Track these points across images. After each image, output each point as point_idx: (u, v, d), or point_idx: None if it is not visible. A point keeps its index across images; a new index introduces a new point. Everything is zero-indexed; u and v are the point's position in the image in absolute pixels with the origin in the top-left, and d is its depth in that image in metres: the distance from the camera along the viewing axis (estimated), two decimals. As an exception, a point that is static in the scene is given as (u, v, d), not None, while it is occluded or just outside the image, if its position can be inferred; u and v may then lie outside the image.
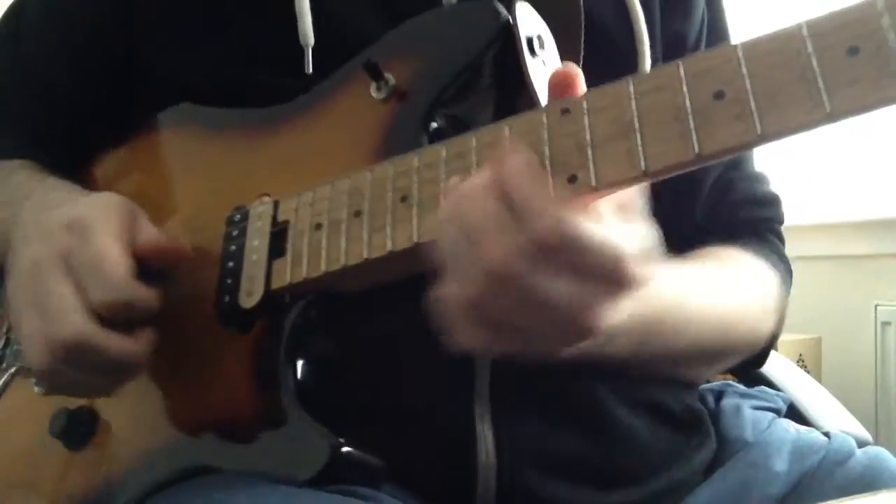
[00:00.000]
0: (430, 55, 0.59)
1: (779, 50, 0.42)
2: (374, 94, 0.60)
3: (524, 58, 0.57)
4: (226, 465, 0.58)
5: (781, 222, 0.81)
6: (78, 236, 0.58)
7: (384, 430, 0.59)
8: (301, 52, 0.64)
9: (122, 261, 0.57)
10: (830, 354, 1.85)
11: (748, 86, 0.42)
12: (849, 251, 1.78)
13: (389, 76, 0.59)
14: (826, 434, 0.75)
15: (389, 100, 0.59)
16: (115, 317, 0.57)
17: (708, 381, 0.80)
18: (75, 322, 0.56)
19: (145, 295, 0.58)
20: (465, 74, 0.57)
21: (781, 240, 0.79)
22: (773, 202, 0.80)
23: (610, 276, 0.44)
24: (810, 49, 0.41)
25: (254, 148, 0.66)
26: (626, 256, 0.44)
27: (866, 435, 0.91)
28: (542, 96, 0.56)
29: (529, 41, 0.57)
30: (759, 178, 0.79)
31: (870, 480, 0.68)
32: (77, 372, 0.58)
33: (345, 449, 0.54)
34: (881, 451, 0.73)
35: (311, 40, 0.64)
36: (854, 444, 0.73)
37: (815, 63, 0.41)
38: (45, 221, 0.61)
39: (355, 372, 0.61)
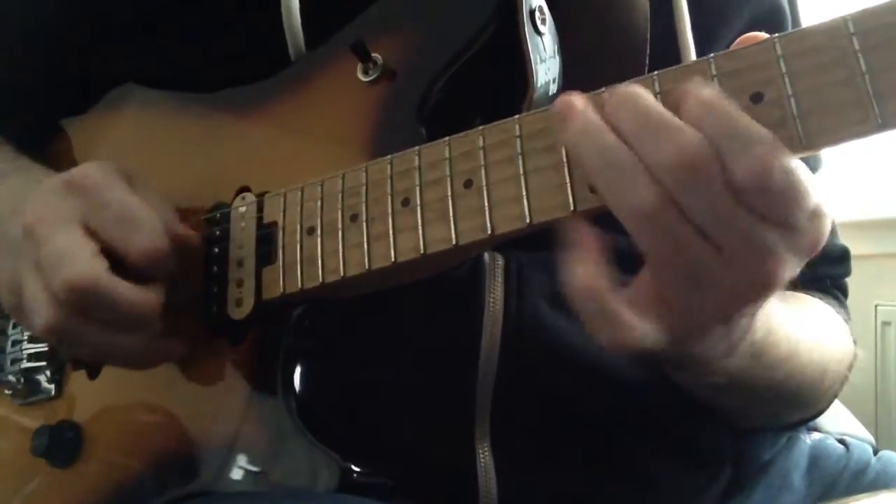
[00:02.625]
0: (423, 31, 0.54)
1: (822, 47, 0.38)
2: (361, 76, 0.55)
3: (525, 33, 0.52)
4: (225, 487, 0.55)
5: (848, 276, 0.76)
6: (88, 192, 0.54)
7: (382, 460, 0.56)
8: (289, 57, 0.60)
9: (150, 210, 0.54)
10: (830, 355, 1.84)
11: (789, 87, 0.38)
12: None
13: (378, 56, 0.54)
14: (841, 441, 0.74)
15: (379, 82, 0.54)
16: (155, 268, 0.54)
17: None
18: (83, 263, 0.52)
19: (173, 252, 0.55)
20: (464, 54, 0.52)
21: (846, 294, 0.75)
22: (843, 257, 0.76)
23: (806, 226, 0.38)
24: (858, 47, 0.37)
25: (226, 134, 0.61)
26: (824, 212, 0.39)
27: (870, 438, 0.90)
28: (540, 75, 0.53)
29: (532, 13, 0.53)
30: (831, 231, 0.76)
31: (883, 486, 0.67)
32: (87, 326, 0.53)
33: (355, 474, 0.52)
34: (892, 456, 0.72)
35: None
36: (871, 451, 0.73)
37: (863, 64, 0.36)
38: (31, 190, 0.57)
39: (354, 393, 0.58)
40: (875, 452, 0.73)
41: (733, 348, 0.47)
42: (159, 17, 0.65)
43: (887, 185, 1.72)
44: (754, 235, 0.38)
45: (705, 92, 0.39)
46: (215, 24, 0.63)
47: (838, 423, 0.90)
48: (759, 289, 0.40)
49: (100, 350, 0.56)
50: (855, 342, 0.70)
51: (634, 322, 0.40)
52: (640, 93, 0.40)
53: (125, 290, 0.52)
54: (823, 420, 0.89)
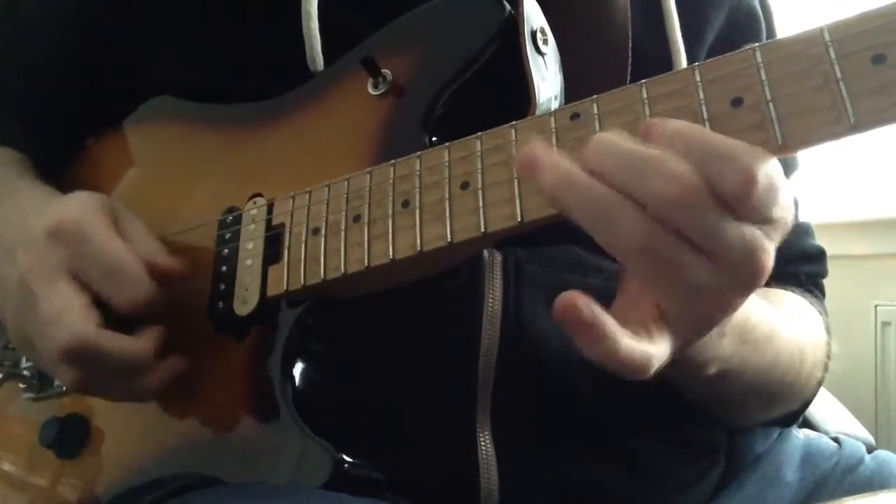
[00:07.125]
0: (429, 50, 0.57)
1: (799, 55, 0.40)
2: (371, 90, 0.58)
3: (527, 53, 0.54)
4: (224, 476, 0.56)
5: (825, 276, 0.78)
6: (73, 242, 0.56)
7: (384, 452, 0.57)
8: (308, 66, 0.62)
9: (134, 258, 0.56)
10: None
11: (768, 93, 0.40)
12: (849, 251, 1.76)
13: (387, 72, 0.57)
14: (835, 439, 0.74)
15: (387, 96, 0.57)
16: (144, 314, 0.56)
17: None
18: (74, 324, 0.54)
19: (161, 292, 0.57)
20: (467, 70, 0.55)
21: (823, 293, 0.77)
22: (819, 257, 0.77)
23: (782, 214, 0.40)
24: (833, 56, 0.39)
25: (244, 145, 0.63)
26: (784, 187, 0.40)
27: (869, 438, 0.91)
28: (541, 93, 0.54)
29: (533, 34, 0.55)
30: (806, 231, 0.77)
31: (879, 485, 0.67)
32: (92, 374, 0.56)
33: (347, 465, 0.52)
34: (889, 456, 0.72)
35: (321, 66, 0.61)
36: (864, 449, 0.73)
37: (837, 71, 0.39)
38: (24, 230, 0.59)
39: (354, 386, 0.60)
40: (870, 451, 0.73)
41: (722, 336, 0.49)
42: (182, 27, 0.67)
43: (887, 185, 1.73)
44: (745, 239, 0.39)
45: (671, 123, 0.40)
46: (236, 33, 0.65)
47: (836, 423, 0.91)
48: (751, 281, 0.41)
49: (119, 393, 0.59)
50: (829, 331, 0.71)
51: (639, 345, 0.41)
52: (616, 138, 0.41)
53: (116, 343, 0.55)
54: (821, 419, 0.90)
